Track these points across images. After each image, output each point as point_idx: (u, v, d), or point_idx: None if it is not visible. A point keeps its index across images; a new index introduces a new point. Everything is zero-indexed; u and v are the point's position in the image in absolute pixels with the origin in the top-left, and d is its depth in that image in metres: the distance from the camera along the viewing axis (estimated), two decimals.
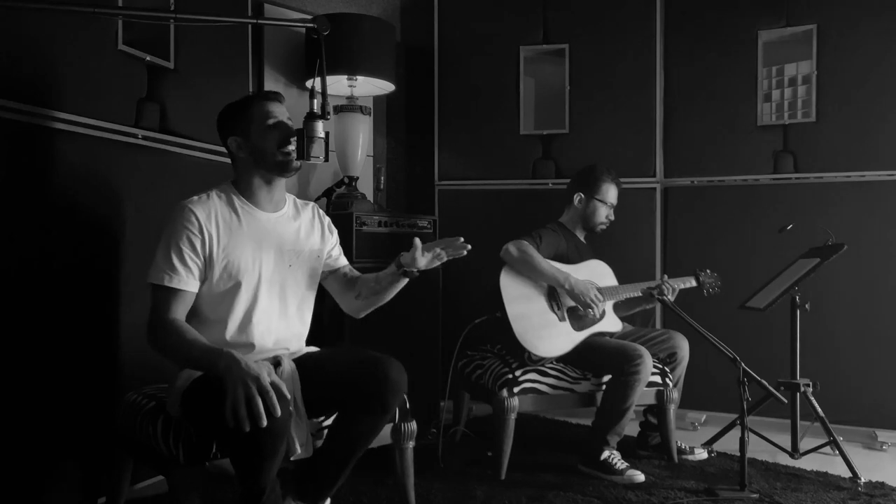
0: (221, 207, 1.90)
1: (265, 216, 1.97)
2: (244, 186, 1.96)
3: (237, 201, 1.94)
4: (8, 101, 1.95)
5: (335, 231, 2.16)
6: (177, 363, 1.82)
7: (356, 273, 2.16)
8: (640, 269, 3.33)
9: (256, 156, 1.92)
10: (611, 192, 2.98)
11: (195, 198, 1.89)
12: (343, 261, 2.17)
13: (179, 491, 1.83)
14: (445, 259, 1.99)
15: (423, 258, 1.96)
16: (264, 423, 1.55)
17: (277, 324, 1.96)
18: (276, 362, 1.84)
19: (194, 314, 1.87)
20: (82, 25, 2.14)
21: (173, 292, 1.80)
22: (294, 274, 1.99)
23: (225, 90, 2.69)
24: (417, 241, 1.94)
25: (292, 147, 1.90)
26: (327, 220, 2.15)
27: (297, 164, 1.93)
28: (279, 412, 1.58)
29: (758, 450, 2.83)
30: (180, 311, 1.82)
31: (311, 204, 2.14)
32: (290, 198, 2.08)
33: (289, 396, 1.64)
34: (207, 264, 1.85)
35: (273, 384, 1.60)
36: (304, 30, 3.02)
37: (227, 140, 1.96)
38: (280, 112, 1.94)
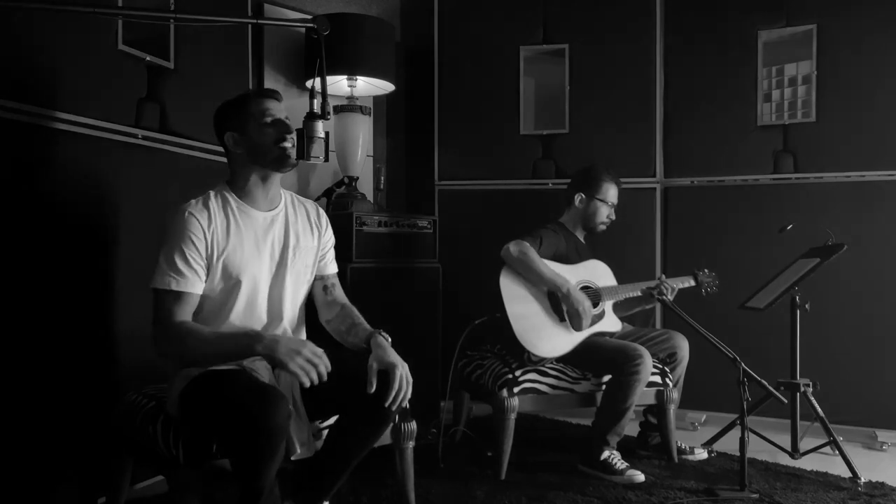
0: (219, 210, 1.89)
1: (261, 215, 1.96)
2: (240, 184, 1.95)
3: (233, 202, 1.93)
4: (8, 101, 1.95)
5: (331, 233, 2.14)
6: (201, 362, 1.78)
7: (342, 299, 2.10)
8: (640, 269, 3.33)
9: (253, 151, 1.92)
10: (611, 192, 2.98)
11: (193, 201, 1.88)
12: (331, 269, 2.13)
13: (179, 491, 1.83)
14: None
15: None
16: (325, 377, 1.71)
17: (278, 321, 1.95)
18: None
19: (195, 315, 1.86)
20: (82, 25, 2.14)
21: (180, 296, 1.80)
22: (292, 270, 1.98)
23: (225, 90, 2.68)
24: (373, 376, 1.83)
25: (289, 144, 1.90)
26: (325, 218, 2.12)
27: (293, 160, 1.92)
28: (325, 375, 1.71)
29: (758, 450, 2.83)
30: (187, 314, 1.81)
31: (311, 202, 2.13)
32: (287, 194, 2.07)
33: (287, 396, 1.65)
34: (210, 266, 1.85)
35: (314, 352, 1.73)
36: (304, 30, 3.02)
37: (224, 136, 1.95)
38: (278, 109, 1.94)
